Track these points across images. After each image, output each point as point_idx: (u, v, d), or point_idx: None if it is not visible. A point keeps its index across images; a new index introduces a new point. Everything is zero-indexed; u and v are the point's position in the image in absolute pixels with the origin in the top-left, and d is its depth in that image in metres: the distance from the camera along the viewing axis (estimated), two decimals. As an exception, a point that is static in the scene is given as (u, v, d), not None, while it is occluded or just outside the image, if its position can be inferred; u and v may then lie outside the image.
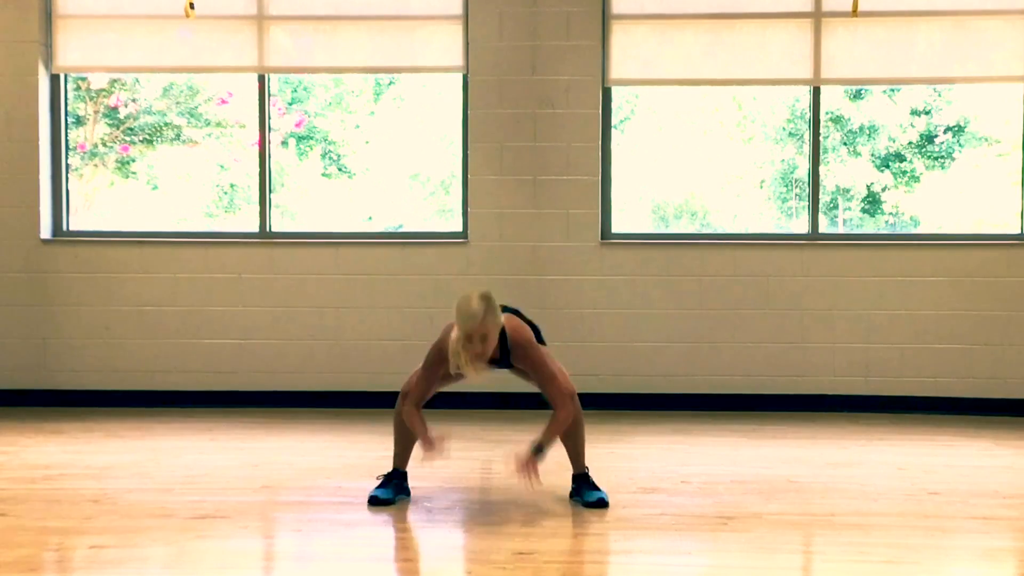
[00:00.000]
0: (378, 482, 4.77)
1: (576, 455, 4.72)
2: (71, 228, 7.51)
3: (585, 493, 4.63)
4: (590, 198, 7.23)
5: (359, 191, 9.48)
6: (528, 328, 4.59)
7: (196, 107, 8.82)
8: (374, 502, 4.62)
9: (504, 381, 7.08)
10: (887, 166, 9.31)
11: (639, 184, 9.10)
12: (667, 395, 7.23)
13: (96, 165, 8.62)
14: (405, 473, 4.78)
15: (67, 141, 7.56)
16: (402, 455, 4.77)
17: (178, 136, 8.85)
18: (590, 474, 4.74)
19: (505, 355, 4.52)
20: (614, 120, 7.48)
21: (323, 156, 9.33)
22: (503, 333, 4.47)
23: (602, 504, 4.58)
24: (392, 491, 4.69)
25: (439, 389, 4.73)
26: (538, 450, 4.45)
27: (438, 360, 4.51)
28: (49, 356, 7.36)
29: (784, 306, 7.20)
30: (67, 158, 7.55)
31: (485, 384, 7.12)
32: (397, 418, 4.72)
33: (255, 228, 7.49)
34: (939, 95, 9.19)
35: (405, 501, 4.71)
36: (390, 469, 4.79)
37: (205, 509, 4.54)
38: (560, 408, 4.49)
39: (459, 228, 7.37)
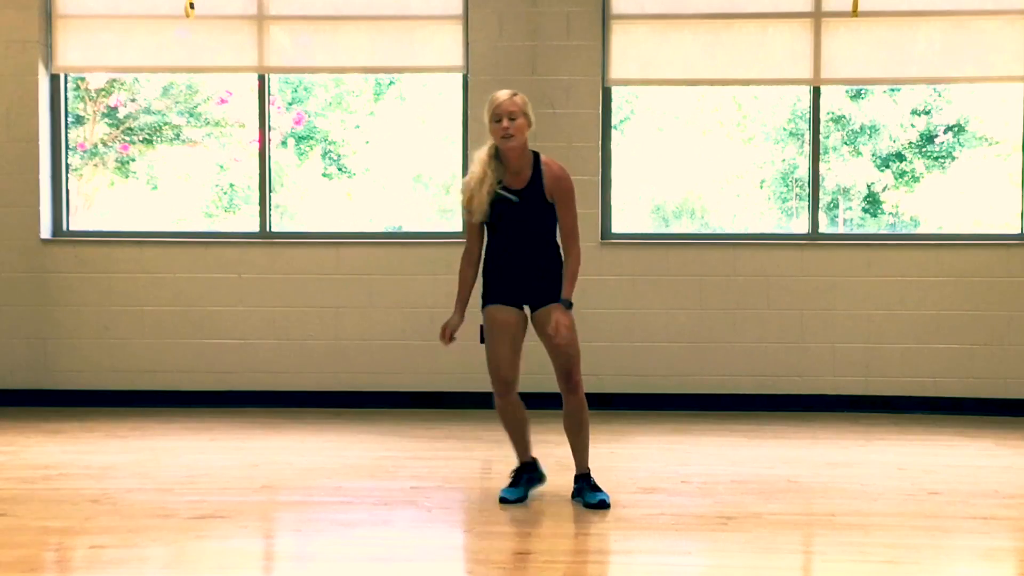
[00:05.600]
0: (509, 481, 4.78)
1: (580, 452, 4.72)
2: (71, 228, 7.51)
3: (587, 494, 4.63)
4: (590, 198, 7.23)
5: (359, 191, 9.48)
6: None
7: (196, 107, 8.82)
8: (504, 502, 4.66)
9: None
10: (887, 166, 9.31)
11: (639, 184, 9.10)
12: (667, 395, 7.23)
13: (96, 165, 8.62)
14: (533, 462, 4.79)
15: (67, 141, 7.56)
16: (521, 450, 4.77)
17: (178, 136, 8.85)
18: (592, 475, 4.74)
19: (537, 178, 4.58)
20: (614, 120, 7.47)
21: (323, 156, 9.33)
22: (537, 157, 4.62)
23: (603, 506, 4.57)
24: (523, 489, 4.71)
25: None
26: (568, 304, 4.57)
27: (466, 200, 4.63)
28: (49, 356, 7.36)
29: (784, 306, 7.20)
30: (67, 158, 7.55)
31: (486, 384, 7.13)
32: (501, 418, 4.76)
33: (255, 228, 7.49)
34: (939, 95, 9.19)
35: (536, 491, 4.76)
36: (517, 465, 4.81)
37: (205, 509, 4.54)
38: (572, 248, 4.60)
39: (459, 228, 7.37)
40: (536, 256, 4.62)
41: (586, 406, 4.69)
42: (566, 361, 4.62)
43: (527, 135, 4.62)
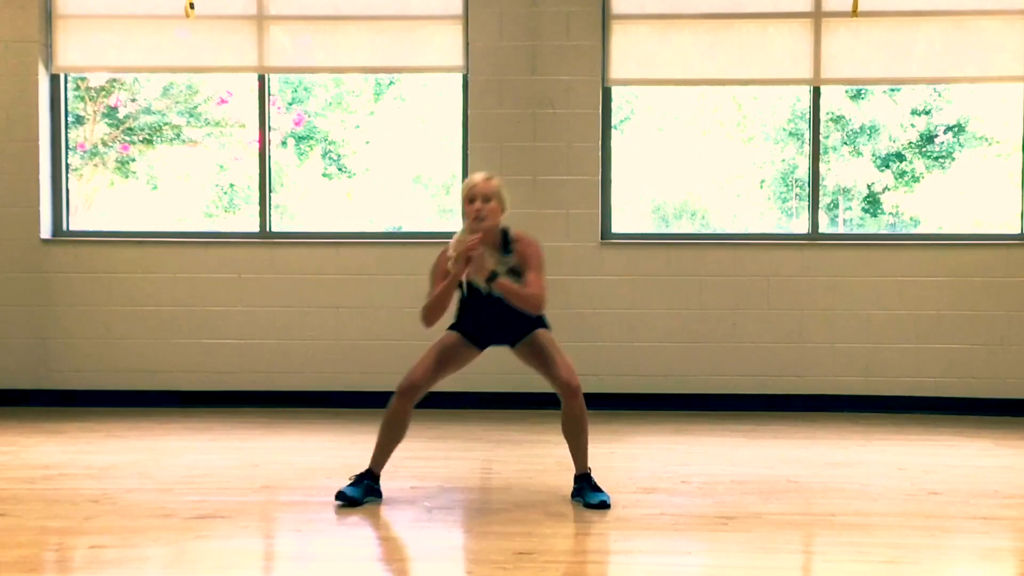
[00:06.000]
0: (349, 481, 4.74)
1: (579, 454, 4.71)
2: (71, 228, 7.51)
3: (587, 494, 4.63)
4: (590, 198, 7.23)
5: (359, 191, 9.48)
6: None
7: (196, 107, 8.83)
8: (341, 498, 4.60)
9: (505, 381, 7.10)
10: (887, 166, 9.32)
11: (639, 184, 9.10)
12: (667, 395, 7.23)
13: (96, 165, 8.62)
14: (377, 476, 4.74)
15: (67, 141, 7.56)
16: (379, 457, 4.73)
17: (178, 136, 8.85)
18: (592, 475, 4.74)
19: (506, 246, 4.59)
20: (614, 120, 7.47)
21: (323, 156, 9.33)
22: (505, 229, 4.61)
23: (604, 506, 4.57)
24: (362, 491, 4.65)
25: (443, 374, 4.70)
26: (493, 275, 4.49)
27: (439, 266, 4.61)
28: (49, 356, 7.36)
29: (784, 306, 7.20)
30: (67, 158, 7.55)
31: (486, 384, 7.15)
32: (387, 416, 4.69)
33: (255, 228, 7.49)
34: (939, 95, 9.20)
35: (376, 503, 4.66)
36: (364, 469, 4.76)
37: (205, 509, 4.54)
38: (533, 290, 4.50)
39: (459, 228, 7.35)
40: (512, 311, 4.61)
41: (586, 409, 4.68)
42: (565, 373, 4.60)
43: (500, 219, 4.59)
